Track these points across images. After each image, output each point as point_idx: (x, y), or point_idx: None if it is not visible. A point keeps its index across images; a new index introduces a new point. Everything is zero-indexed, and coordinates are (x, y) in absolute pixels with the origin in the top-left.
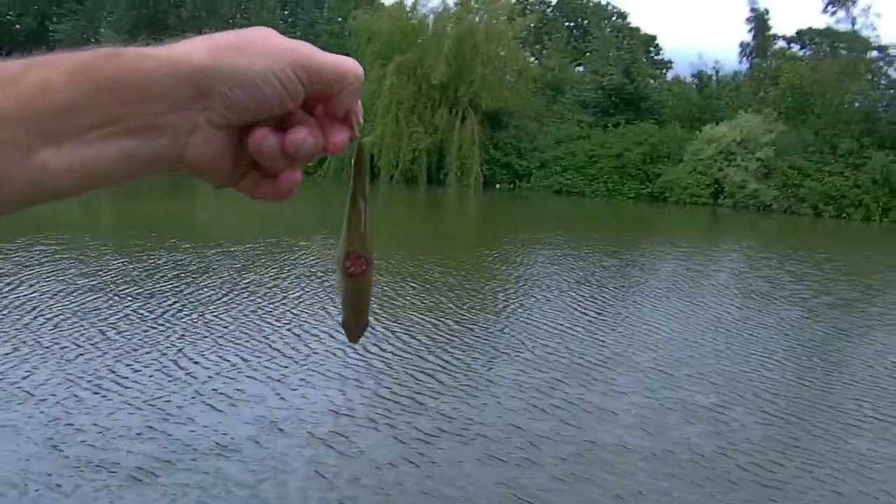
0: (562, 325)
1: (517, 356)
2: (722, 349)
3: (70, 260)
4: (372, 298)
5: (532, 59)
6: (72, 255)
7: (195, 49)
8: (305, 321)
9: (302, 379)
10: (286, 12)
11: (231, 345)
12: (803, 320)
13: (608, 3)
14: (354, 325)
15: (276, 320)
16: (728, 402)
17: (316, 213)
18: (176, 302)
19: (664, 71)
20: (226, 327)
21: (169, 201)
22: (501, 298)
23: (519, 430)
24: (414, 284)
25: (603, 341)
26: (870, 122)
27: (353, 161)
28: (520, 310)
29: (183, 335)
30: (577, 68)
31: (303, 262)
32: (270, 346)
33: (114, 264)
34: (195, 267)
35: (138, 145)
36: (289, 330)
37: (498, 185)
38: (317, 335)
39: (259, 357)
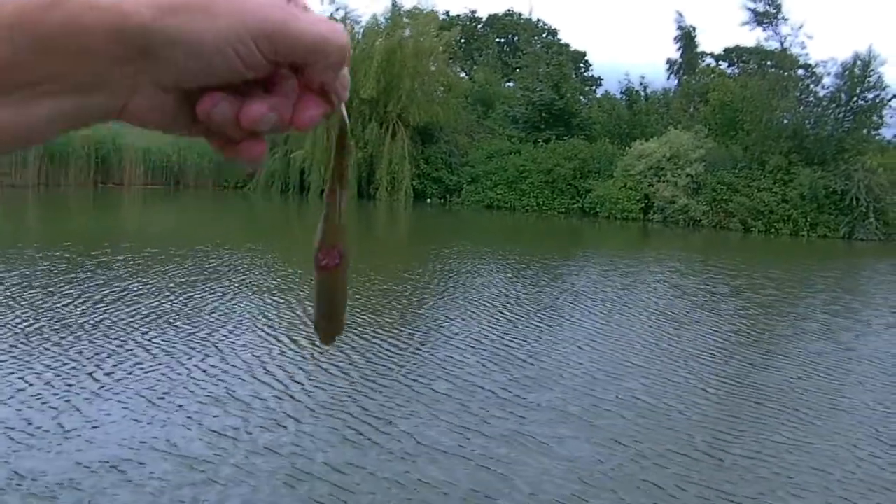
0: (430, 348)
1: (354, 380)
2: (591, 373)
3: None
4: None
5: (462, 74)
6: None
7: (146, 3)
8: (153, 338)
9: (127, 407)
10: None
11: (61, 360)
12: (680, 337)
13: (539, 20)
14: (325, 328)
15: (124, 335)
16: (579, 435)
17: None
18: (25, 312)
19: (594, 87)
20: (61, 340)
21: (82, 212)
22: (370, 319)
23: (349, 466)
24: (279, 299)
25: (467, 367)
26: (798, 138)
27: (336, 141)
28: (382, 330)
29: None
30: (508, 84)
31: (175, 271)
32: (110, 363)
33: None
34: (66, 277)
35: (75, 104)
36: (135, 345)
37: (429, 200)
38: (163, 348)
39: (84, 377)
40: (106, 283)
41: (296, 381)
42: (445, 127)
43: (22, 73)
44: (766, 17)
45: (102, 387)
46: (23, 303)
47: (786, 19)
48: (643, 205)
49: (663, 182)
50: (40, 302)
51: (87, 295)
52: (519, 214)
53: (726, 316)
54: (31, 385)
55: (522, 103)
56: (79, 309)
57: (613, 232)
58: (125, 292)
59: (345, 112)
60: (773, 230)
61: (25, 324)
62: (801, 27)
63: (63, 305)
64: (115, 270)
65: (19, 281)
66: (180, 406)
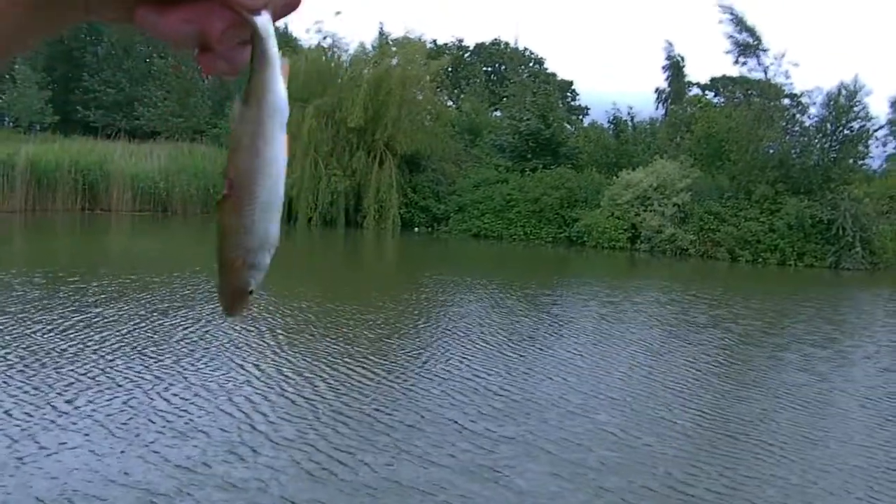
0: (399, 378)
1: (319, 411)
2: (563, 405)
3: None
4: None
5: (449, 102)
6: None
7: None
8: (119, 366)
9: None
10: None
11: (24, 388)
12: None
13: (526, 49)
14: (219, 285)
15: (90, 362)
16: (547, 470)
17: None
18: None
19: (581, 117)
20: (26, 367)
21: (66, 238)
22: (340, 349)
23: (309, 500)
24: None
25: (436, 399)
26: (784, 168)
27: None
28: (352, 360)
29: None
30: (495, 113)
31: (150, 298)
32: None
33: None
34: (40, 303)
35: (48, 12)
36: (100, 373)
37: (416, 229)
38: (128, 376)
39: (46, 405)
40: (78, 310)
41: (260, 412)
42: (433, 155)
43: None
44: (747, 48)
45: (63, 416)
46: None
47: (765, 50)
48: (630, 234)
49: (650, 211)
50: (11, 328)
51: (58, 322)
52: (506, 244)
53: (704, 347)
54: None
55: (509, 132)
56: (48, 336)
57: (600, 261)
58: (97, 319)
59: (258, 22)
60: (760, 260)
61: None
62: (783, 56)
63: (33, 332)
64: (89, 297)
65: None
66: (140, 436)
